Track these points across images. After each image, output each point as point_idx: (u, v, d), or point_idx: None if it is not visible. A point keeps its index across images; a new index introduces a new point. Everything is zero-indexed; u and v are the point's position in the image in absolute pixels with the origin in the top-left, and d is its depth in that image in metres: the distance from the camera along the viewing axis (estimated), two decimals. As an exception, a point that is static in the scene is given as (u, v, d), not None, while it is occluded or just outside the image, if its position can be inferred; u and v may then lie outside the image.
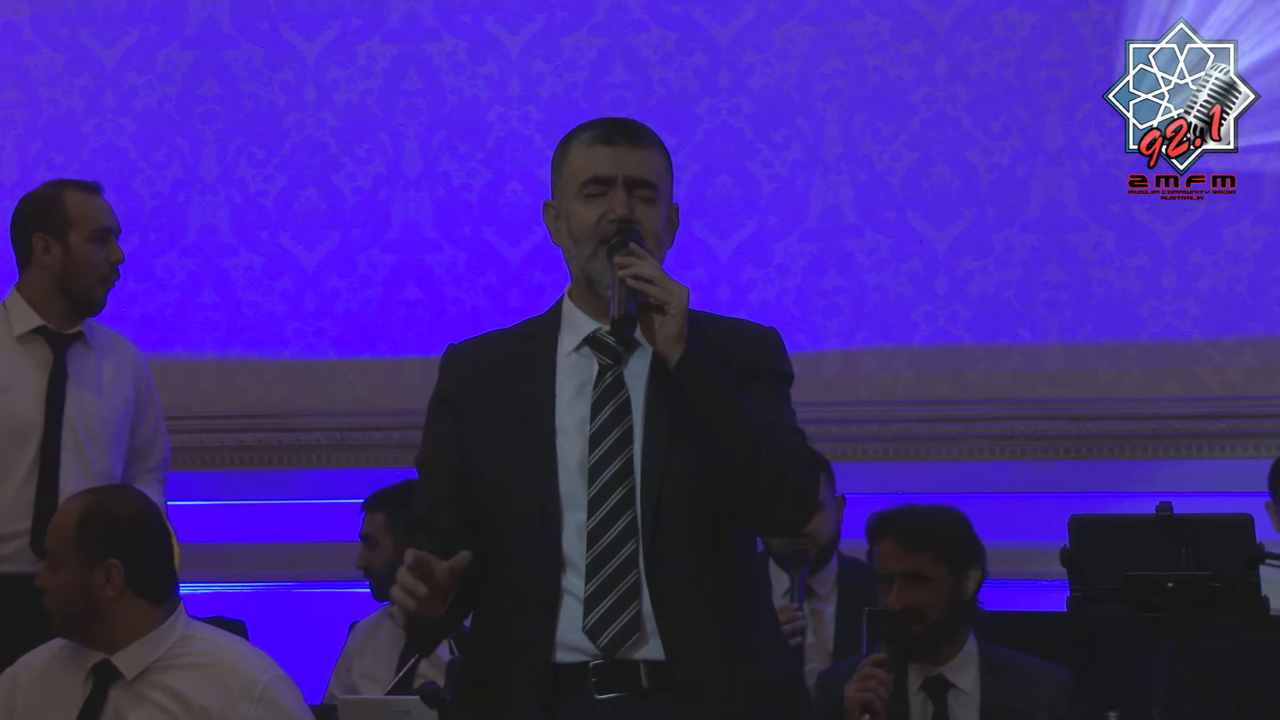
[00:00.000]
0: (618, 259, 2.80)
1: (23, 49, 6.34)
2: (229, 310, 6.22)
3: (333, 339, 6.17)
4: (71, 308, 4.65)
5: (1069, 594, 3.95)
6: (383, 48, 6.19)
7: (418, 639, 2.86)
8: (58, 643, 3.88)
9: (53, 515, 4.45)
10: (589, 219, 2.88)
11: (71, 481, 4.54)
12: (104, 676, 3.76)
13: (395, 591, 2.72)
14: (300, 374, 6.15)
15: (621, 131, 2.93)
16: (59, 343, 4.65)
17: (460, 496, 2.91)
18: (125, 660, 3.76)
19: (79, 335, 4.66)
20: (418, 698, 3.84)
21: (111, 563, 3.81)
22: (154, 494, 4.71)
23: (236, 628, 4.89)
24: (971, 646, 4.02)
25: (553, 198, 2.98)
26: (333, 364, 6.14)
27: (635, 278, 2.78)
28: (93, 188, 4.72)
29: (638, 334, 2.85)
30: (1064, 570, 3.96)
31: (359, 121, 6.18)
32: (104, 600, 3.77)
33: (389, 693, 4.49)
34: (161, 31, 6.29)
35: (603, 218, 2.87)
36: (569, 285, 2.99)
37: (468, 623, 4.37)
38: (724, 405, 2.78)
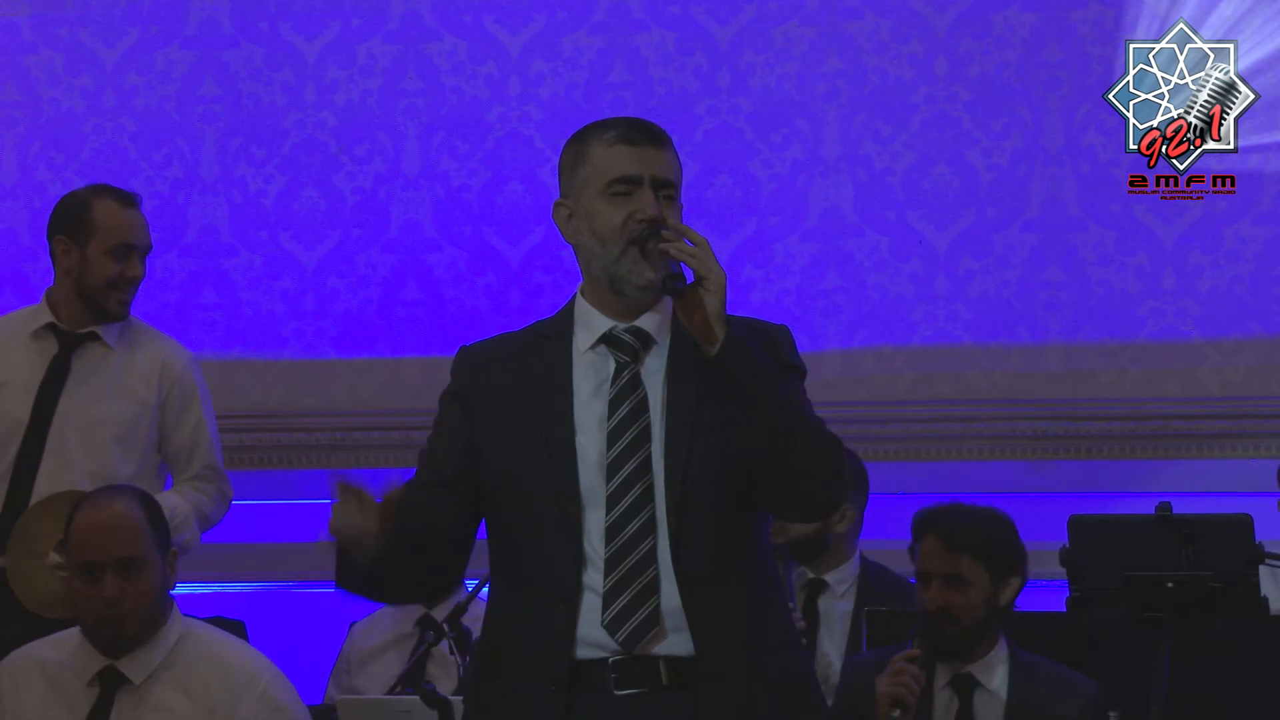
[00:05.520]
0: (663, 233, 2.84)
1: (23, 49, 6.34)
2: (229, 310, 6.21)
3: (332, 339, 6.17)
4: (89, 312, 4.63)
5: (1068, 594, 3.96)
6: (383, 48, 6.19)
7: (341, 566, 2.82)
8: (43, 646, 3.85)
9: (20, 513, 4.45)
10: (615, 219, 2.89)
11: (49, 481, 4.52)
12: (110, 683, 3.74)
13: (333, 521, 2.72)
14: (300, 374, 6.15)
15: (643, 132, 2.93)
16: (68, 341, 4.63)
17: (446, 489, 2.92)
18: (132, 665, 3.73)
19: (94, 335, 4.64)
20: (418, 698, 3.85)
21: (174, 551, 3.82)
22: (191, 500, 4.68)
23: (236, 628, 4.88)
24: (1002, 649, 4.03)
25: (565, 197, 2.97)
26: (333, 364, 6.14)
27: (679, 251, 2.81)
28: (128, 200, 4.67)
29: (661, 327, 2.90)
30: (1063, 570, 3.96)
31: (359, 121, 6.18)
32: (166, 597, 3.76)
33: (390, 691, 4.49)
34: (161, 31, 6.29)
35: (630, 218, 2.88)
36: (581, 285, 2.99)
37: (471, 624, 4.38)
38: (767, 385, 2.81)
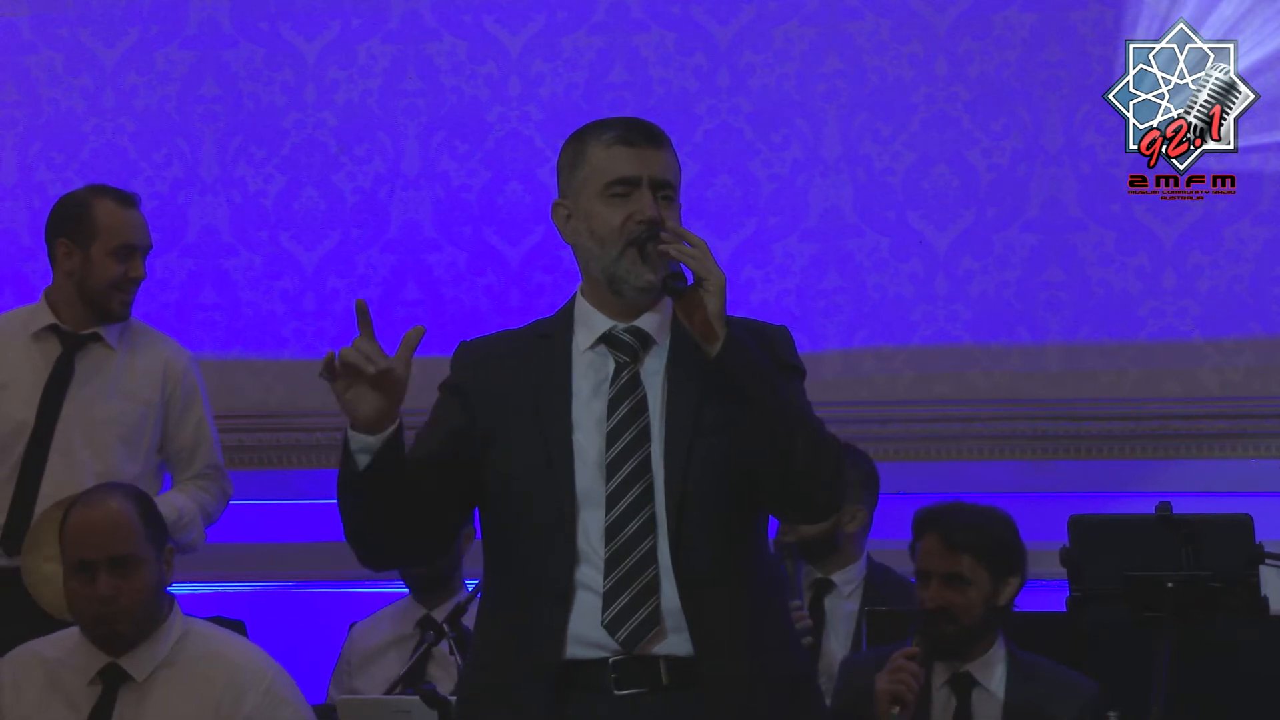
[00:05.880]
0: (662, 234, 2.84)
1: (23, 49, 6.34)
2: (229, 310, 6.22)
3: (333, 339, 6.16)
4: (91, 313, 4.64)
5: (1068, 594, 3.96)
6: (383, 48, 6.19)
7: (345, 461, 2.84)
8: (46, 643, 3.85)
9: (26, 514, 4.45)
10: (614, 220, 2.89)
11: (54, 482, 4.52)
12: (113, 680, 3.74)
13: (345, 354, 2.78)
14: (300, 374, 6.15)
15: (642, 132, 2.94)
16: (70, 342, 4.64)
17: (439, 471, 2.91)
18: (133, 662, 3.73)
19: (96, 336, 4.65)
20: (418, 698, 3.85)
21: (170, 548, 3.81)
22: (196, 499, 4.69)
23: (236, 628, 4.88)
24: (1000, 648, 4.03)
25: (564, 197, 2.97)
26: (333, 364, 6.14)
27: (679, 252, 2.81)
28: (128, 200, 4.68)
29: (660, 328, 2.91)
30: (1064, 570, 3.96)
31: (359, 121, 6.18)
32: (164, 594, 3.76)
33: (390, 692, 4.49)
34: (161, 31, 6.29)
35: (629, 219, 2.88)
36: (581, 285, 3.00)
37: (470, 621, 4.38)
38: (767, 386, 2.81)
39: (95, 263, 4.61)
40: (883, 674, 3.87)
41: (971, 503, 4.18)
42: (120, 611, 3.68)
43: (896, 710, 3.82)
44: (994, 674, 4.02)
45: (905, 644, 3.93)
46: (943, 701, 4.02)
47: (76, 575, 3.71)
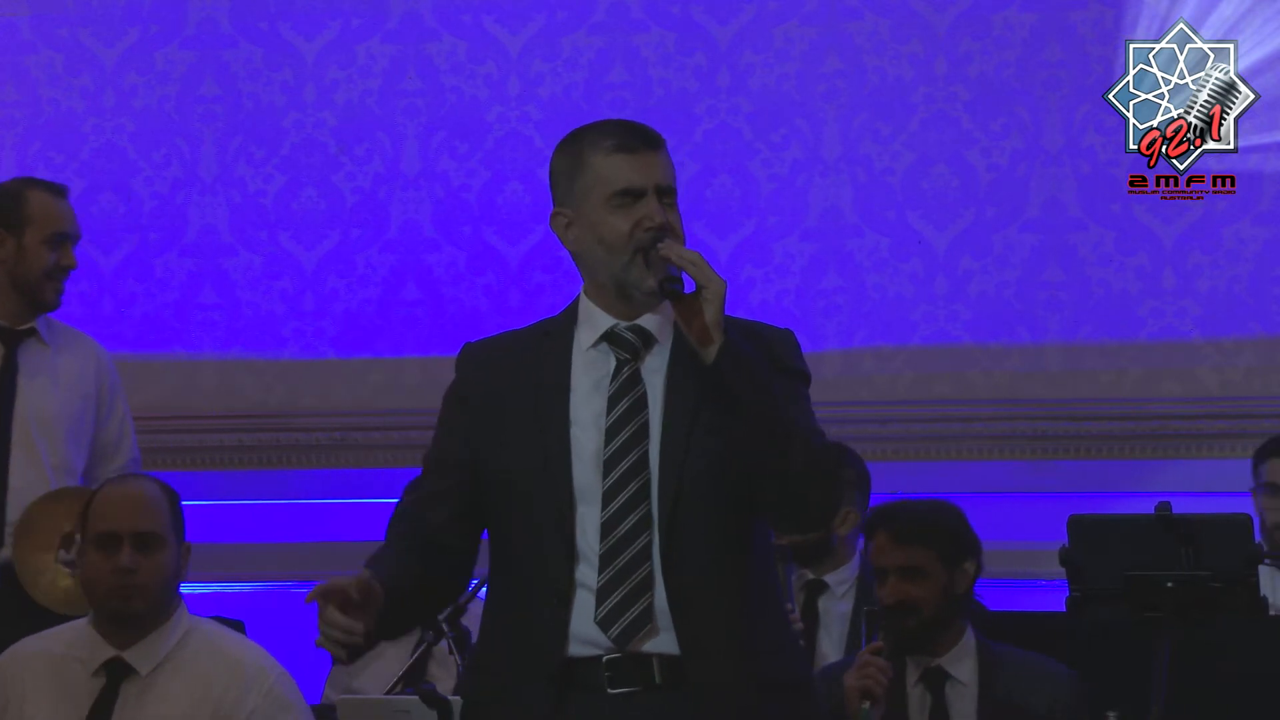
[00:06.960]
0: (660, 245, 2.84)
1: (23, 49, 6.34)
2: (229, 310, 6.22)
3: (332, 339, 6.17)
4: (25, 304, 4.68)
5: (1068, 594, 3.96)
6: (383, 48, 6.19)
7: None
8: (49, 638, 3.86)
9: (1, 509, 4.48)
10: (623, 228, 2.87)
11: (20, 475, 4.56)
12: (116, 673, 3.75)
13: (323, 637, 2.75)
14: (300, 374, 6.15)
15: (640, 137, 2.93)
16: (10, 338, 4.67)
17: (458, 494, 2.93)
18: (138, 656, 3.75)
19: (33, 331, 4.68)
20: (417, 697, 3.85)
21: (188, 546, 3.85)
22: None
23: (236, 628, 4.88)
24: (969, 639, 4.05)
25: (563, 206, 2.96)
26: (333, 364, 6.14)
27: (679, 257, 2.82)
28: (58, 190, 4.76)
29: (663, 326, 2.90)
30: (1063, 570, 3.97)
31: (359, 121, 6.18)
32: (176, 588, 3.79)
33: (390, 691, 4.49)
34: (161, 31, 6.29)
35: (637, 226, 2.87)
36: (585, 286, 2.99)
37: (471, 624, 4.38)
38: (763, 395, 2.80)
39: (29, 251, 4.66)
40: (850, 672, 3.89)
41: (918, 499, 4.23)
42: (137, 586, 3.70)
43: (867, 705, 3.83)
44: (965, 666, 4.03)
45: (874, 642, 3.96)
46: (918, 699, 4.04)
47: (99, 549, 3.73)
